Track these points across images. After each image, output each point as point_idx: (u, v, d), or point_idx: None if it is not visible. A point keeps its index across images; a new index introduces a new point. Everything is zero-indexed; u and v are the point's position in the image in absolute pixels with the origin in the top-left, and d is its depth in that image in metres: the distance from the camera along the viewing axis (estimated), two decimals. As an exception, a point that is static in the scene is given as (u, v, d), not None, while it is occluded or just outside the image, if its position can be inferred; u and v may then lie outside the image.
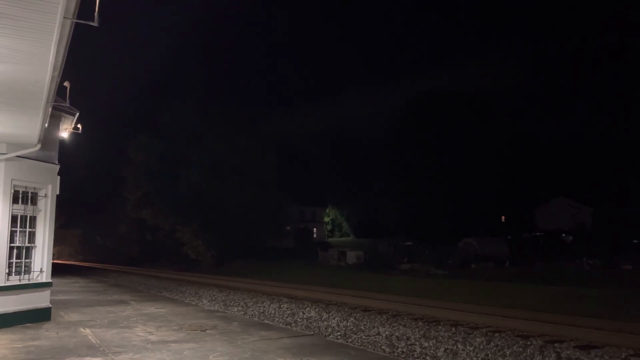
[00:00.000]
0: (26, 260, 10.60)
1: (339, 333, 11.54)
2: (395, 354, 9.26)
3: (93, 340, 8.78)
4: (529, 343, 10.11)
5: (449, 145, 54.14)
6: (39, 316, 10.65)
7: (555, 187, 58.88)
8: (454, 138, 54.28)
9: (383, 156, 64.46)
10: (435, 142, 54.55)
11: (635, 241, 37.13)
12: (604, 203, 53.20)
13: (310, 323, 13.05)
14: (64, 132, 11.58)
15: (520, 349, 9.59)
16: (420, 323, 12.73)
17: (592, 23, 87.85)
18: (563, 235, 45.37)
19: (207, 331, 9.90)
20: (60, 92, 8.63)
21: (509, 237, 45.13)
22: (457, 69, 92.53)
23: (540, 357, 9.06)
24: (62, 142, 11.71)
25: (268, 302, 17.92)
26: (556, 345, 9.90)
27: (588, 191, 57.27)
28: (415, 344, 10.12)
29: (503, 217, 59.12)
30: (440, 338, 10.68)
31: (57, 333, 9.48)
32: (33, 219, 10.75)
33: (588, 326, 11.30)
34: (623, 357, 9.06)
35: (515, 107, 64.35)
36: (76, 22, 4.98)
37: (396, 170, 59.58)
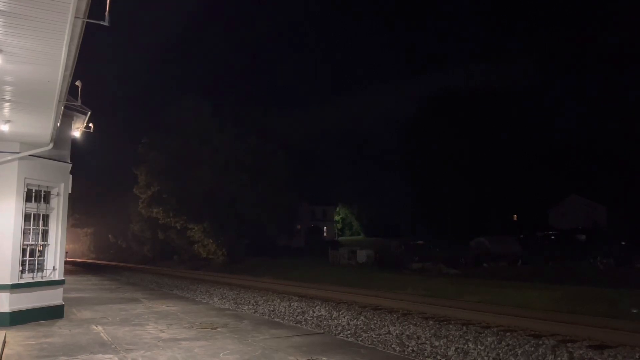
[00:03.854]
0: (39, 258, 10.72)
1: (349, 332, 11.53)
2: (406, 353, 9.23)
3: (105, 338, 8.85)
4: (540, 342, 10.02)
5: (462, 145, 53.89)
6: (52, 314, 10.76)
7: (570, 185, 58.27)
8: (466, 137, 54.04)
9: (395, 155, 64.31)
10: (447, 141, 54.32)
11: None
12: (618, 201, 52.53)
13: (321, 321, 13.05)
14: (76, 131, 11.71)
15: (532, 349, 9.50)
16: (431, 322, 12.67)
17: (609, 17, 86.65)
18: (577, 234, 44.88)
19: (218, 329, 9.94)
20: (71, 91, 8.71)
21: (522, 235, 44.74)
22: (472, 67, 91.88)
23: (553, 356, 8.97)
24: (74, 141, 11.83)
25: (278, 300, 17.96)
26: (569, 344, 9.79)
27: (603, 190, 56.58)
28: (426, 343, 10.07)
29: (515, 216, 58.66)
30: (451, 337, 10.62)
31: (70, 330, 9.58)
32: (46, 217, 10.87)
33: (602, 326, 11.16)
34: (637, 357, 8.95)
35: (529, 106, 63.77)
36: (87, 22, 5.02)
37: (408, 168, 59.42)
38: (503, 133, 55.39)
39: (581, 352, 9.20)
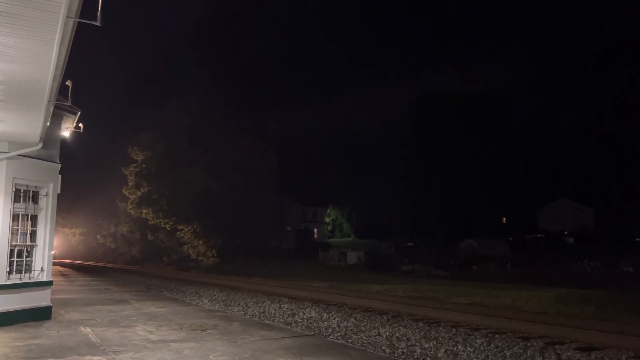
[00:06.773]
0: (27, 259, 10.61)
1: (339, 333, 11.53)
2: (396, 355, 9.25)
3: (94, 339, 8.78)
4: (529, 344, 10.09)
5: (451, 146, 54.20)
6: (40, 315, 10.65)
7: (558, 188, 58.77)
8: (456, 139, 54.35)
9: (385, 156, 64.55)
10: (437, 143, 54.64)
11: (638, 239, 37.09)
12: (606, 204, 53.09)
13: (311, 323, 13.04)
14: (66, 131, 11.60)
15: (521, 351, 9.57)
16: (420, 324, 12.72)
17: (594, 24, 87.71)
18: (565, 236, 45.29)
19: (208, 331, 9.90)
20: (62, 91, 8.64)
21: (511, 238, 45.06)
22: (459, 69, 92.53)
23: (541, 358, 9.04)
24: (63, 140, 11.73)
25: (268, 302, 17.91)
26: (557, 346, 9.88)
27: (591, 192, 57.13)
28: (416, 345, 10.11)
29: (504, 219, 59.07)
30: (440, 339, 10.67)
31: (58, 332, 9.49)
32: (34, 218, 10.76)
33: (589, 328, 11.27)
34: (624, 359, 9.04)
35: (517, 109, 64.28)
36: (79, 21, 4.99)
37: (398, 170, 59.66)
38: (493, 136, 55.75)
39: (569, 354, 9.29)
